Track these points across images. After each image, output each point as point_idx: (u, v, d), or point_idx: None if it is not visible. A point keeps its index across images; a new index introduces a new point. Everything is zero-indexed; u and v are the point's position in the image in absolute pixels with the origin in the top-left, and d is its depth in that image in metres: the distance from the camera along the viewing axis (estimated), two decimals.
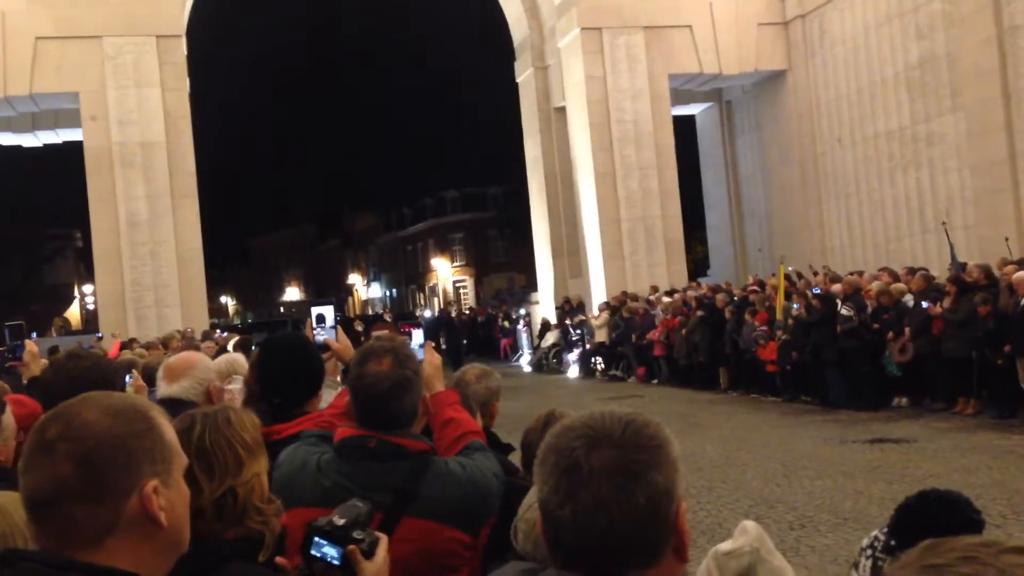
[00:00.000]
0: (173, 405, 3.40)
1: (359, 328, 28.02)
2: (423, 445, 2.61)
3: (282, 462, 2.66)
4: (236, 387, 3.74)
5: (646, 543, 1.35)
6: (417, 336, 3.29)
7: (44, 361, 8.50)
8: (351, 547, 1.95)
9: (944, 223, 17.02)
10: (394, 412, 2.59)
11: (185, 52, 23.03)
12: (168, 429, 1.52)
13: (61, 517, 1.39)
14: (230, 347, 12.01)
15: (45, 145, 25.86)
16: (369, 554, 1.98)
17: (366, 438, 2.56)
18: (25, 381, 5.37)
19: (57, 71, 21.69)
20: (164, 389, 3.80)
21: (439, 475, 2.54)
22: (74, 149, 23.33)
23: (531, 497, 2.31)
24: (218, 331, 22.56)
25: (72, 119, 22.84)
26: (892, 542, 2.22)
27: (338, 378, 3.96)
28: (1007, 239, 15.73)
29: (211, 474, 2.02)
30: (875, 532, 2.33)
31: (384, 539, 2.04)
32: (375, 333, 3.66)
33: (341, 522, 2.00)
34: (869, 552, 2.28)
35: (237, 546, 1.98)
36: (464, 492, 2.53)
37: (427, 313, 45.81)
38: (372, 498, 2.49)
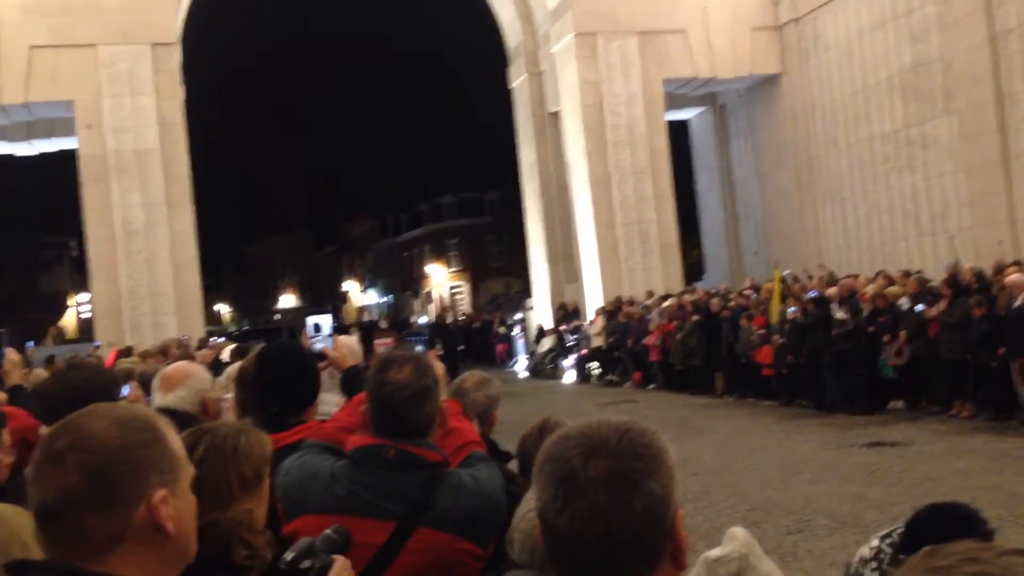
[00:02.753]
0: (169, 416, 3.40)
1: (355, 336, 28.03)
2: (438, 456, 2.61)
3: (289, 469, 2.66)
4: (232, 396, 3.74)
5: (643, 551, 1.37)
6: (419, 347, 3.28)
7: (40, 371, 8.51)
8: None
9: (952, 238, 17.02)
10: (413, 421, 2.59)
11: (179, 60, 23.06)
12: (175, 439, 1.54)
13: (69, 527, 1.41)
14: (224, 355, 12.04)
15: (40, 154, 25.84)
16: None
17: (384, 447, 2.55)
18: (8, 387, 5.36)
19: (52, 80, 21.69)
20: (160, 399, 3.80)
21: (453, 487, 2.54)
22: (69, 157, 23.32)
23: (524, 507, 2.31)
24: (213, 338, 22.55)
25: (67, 127, 22.84)
26: (902, 556, 2.22)
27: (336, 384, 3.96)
28: (1001, 242, 15.78)
29: (198, 501, 2.02)
30: (875, 542, 2.32)
31: (340, 561, 2.06)
32: (379, 343, 3.65)
33: (291, 556, 2.03)
34: (875, 564, 2.28)
35: (222, 564, 1.98)
36: (476, 504, 2.54)
37: (423, 319, 45.82)
38: (387, 507, 2.50)
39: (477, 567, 2.54)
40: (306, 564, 2.02)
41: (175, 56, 22.79)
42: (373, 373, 2.65)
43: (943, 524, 2.20)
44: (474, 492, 2.56)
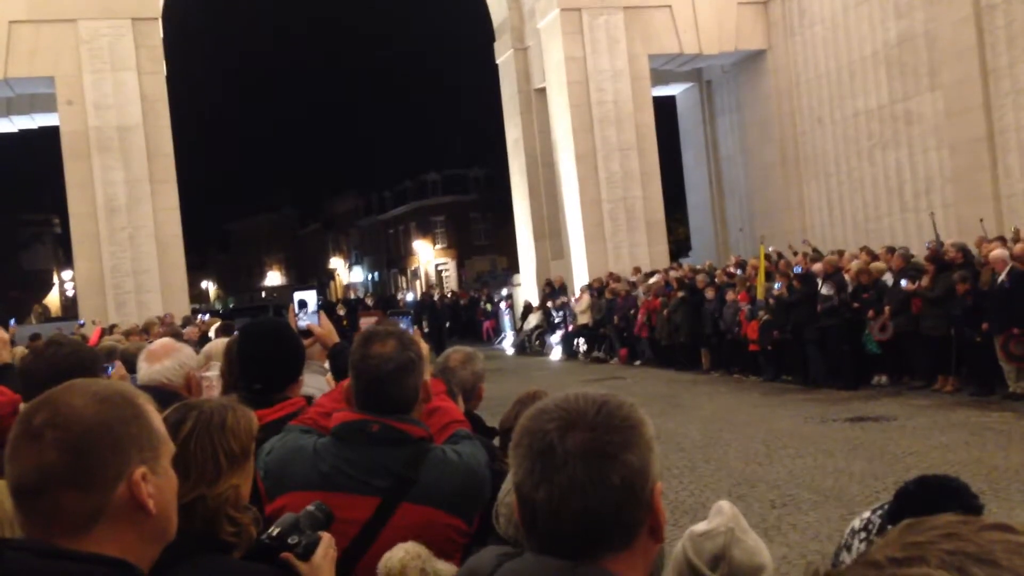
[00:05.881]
0: (154, 392, 3.38)
1: (341, 312, 28.00)
2: (422, 431, 2.60)
3: (271, 449, 2.64)
4: (213, 374, 3.71)
5: (621, 524, 1.36)
6: (402, 324, 3.21)
7: (20, 349, 8.43)
8: (283, 555, 2.00)
9: (932, 214, 17.01)
10: (397, 395, 2.58)
11: (161, 35, 22.81)
12: (155, 416, 1.52)
13: (48, 504, 1.39)
14: (211, 332, 11.98)
15: (21, 130, 25.57)
16: (305, 556, 2.01)
17: (368, 423, 2.55)
18: None
19: (32, 55, 21.43)
20: (145, 370, 3.78)
21: (437, 462, 2.54)
22: (51, 134, 23.09)
23: (509, 482, 2.31)
24: (199, 316, 22.45)
25: (48, 104, 22.59)
26: (889, 526, 2.22)
27: (326, 364, 3.95)
28: (982, 220, 15.82)
29: (185, 477, 1.99)
30: (867, 514, 2.33)
31: (326, 538, 2.06)
32: (364, 321, 3.63)
33: (276, 532, 2.05)
34: (863, 535, 2.28)
35: (209, 541, 1.97)
36: (461, 479, 2.54)
37: (409, 296, 45.76)
38: (371, 483, 2.49)
39: (462, 542, 2.54)
40: (293, 540, 2.02)
41: (157, 31, 22.54)
42: (357, 347, 2.64)
43: (931, 496, 2.20)
44: (458, 467, 2.56)
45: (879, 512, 2.32)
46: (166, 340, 4.29)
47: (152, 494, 1.44)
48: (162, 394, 3.29)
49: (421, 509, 2.49)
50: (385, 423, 2.54)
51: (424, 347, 2.99)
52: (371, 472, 2.50)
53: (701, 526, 2.08)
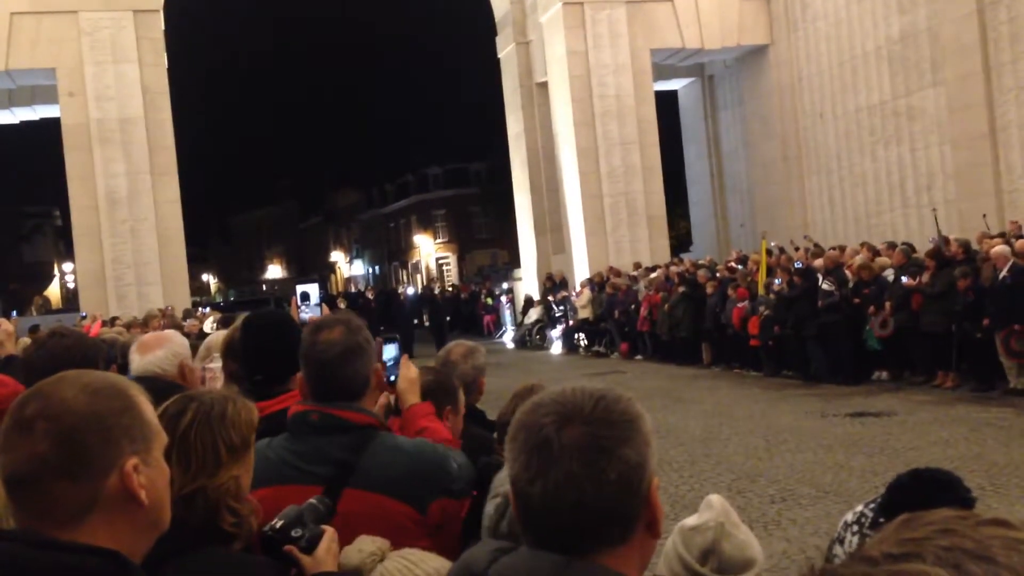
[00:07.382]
0: (149, 382, 3.37)
1: (342, 306, 27.97)
2: (368, 419, 2.57)
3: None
4: (217, 365, 3.71)
5: (617, 519, 1.35)
6: (390, 350, 3.08)
7: (24, 340, 8.44)
8: (286, 547, 2.01)
9: (935, 210, 16.98)
10: (343, 379, 2.54)
11: (163, 27, 22.79)
12: (147, 407, 1.52)
13: (40, 495, 1.39)
14: (207, 325, 11.99)
15: (22, 122, 25.56)
16: (308, 549, 2.01)
17: (309, 412, 2.54)
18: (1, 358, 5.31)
19: (33, 47, 21.42)
20: (138, 362, 3.75)
21: (382, 447, 2.51)
22: (52, 126, 23.08)
23: (502, 476, 2.30)
24: (199, 309, 22.47)
25: (49, 95, 22.58)
26: (881, 519, 2.23)
27: None
28: (984, 216, 15.79)
29: (186, 469, 1.99)
30: (860, 507, 2.33)
31: (329, 531, 2.06)
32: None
33: (279, 524, 2.05)
34: (856, 528, 2.29)
35: (209, 532, 1.98)
36: (408, 464, 2.50)
37: (410, 290, 45.75)
38: (314, 471, 2.47)
39: (416, 531, 2.47)
40: (296, 533, 2.02)
41: (158, 23, 22.52)
42: (306, 337, 2.63)
43: (924, 489, 2.21)
44: (407, 451, 2.52)
45: (871, 506, 2.32)
46: (158, 331, 4.28)
47: (144, 485, 1.44)
48: (157, 384, 3.28)
49: (365, 495, 2.44)
50: (324, 411, 2.51)
51: (413, 371, 2.97)
52: (314, 461, 2.48)
53: (691, 520, 2.08)
